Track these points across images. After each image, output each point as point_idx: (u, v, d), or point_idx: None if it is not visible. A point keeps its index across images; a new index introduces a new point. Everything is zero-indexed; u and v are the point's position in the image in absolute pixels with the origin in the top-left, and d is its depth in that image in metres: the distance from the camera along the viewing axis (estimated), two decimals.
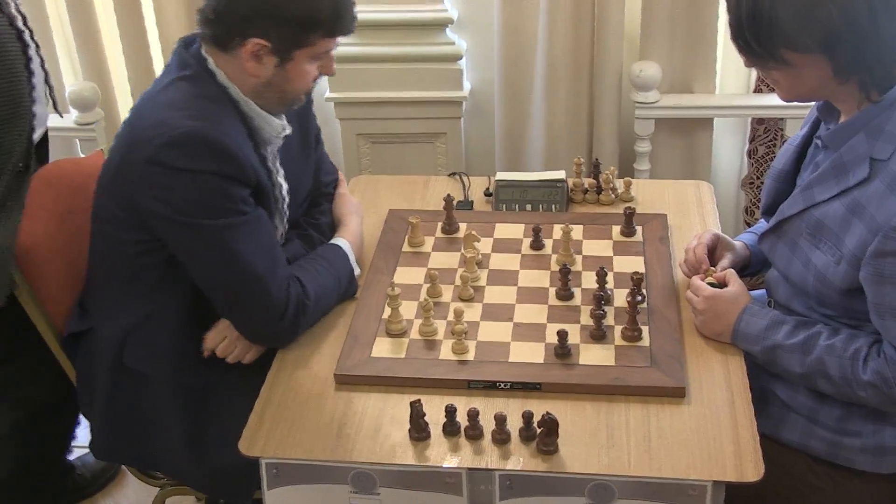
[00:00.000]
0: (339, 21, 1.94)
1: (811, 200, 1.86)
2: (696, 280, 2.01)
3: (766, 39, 1.72)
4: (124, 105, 3.29)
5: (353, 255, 2.16)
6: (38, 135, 2.29)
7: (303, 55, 1.93)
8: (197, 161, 1.84)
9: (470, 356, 1.93)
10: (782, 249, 1.93)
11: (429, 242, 2.29)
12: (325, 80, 2.33)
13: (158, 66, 3.20)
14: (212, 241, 1.88)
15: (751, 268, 2.15)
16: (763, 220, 2.14)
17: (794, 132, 2.09)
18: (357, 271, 2.16)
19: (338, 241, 2.18)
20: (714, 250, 2.11)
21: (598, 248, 2.24)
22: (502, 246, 2.27)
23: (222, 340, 2.04)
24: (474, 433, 1.76)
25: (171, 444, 2.05)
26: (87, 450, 2.20)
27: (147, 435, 2.08)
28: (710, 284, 1.99)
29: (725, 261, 2.07)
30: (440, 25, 3.08)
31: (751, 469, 1.68)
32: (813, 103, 1.99)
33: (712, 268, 2.05)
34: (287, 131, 2.08)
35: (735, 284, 1.98)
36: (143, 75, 3.17)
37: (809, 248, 1.86)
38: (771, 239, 1.96)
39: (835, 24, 1.66)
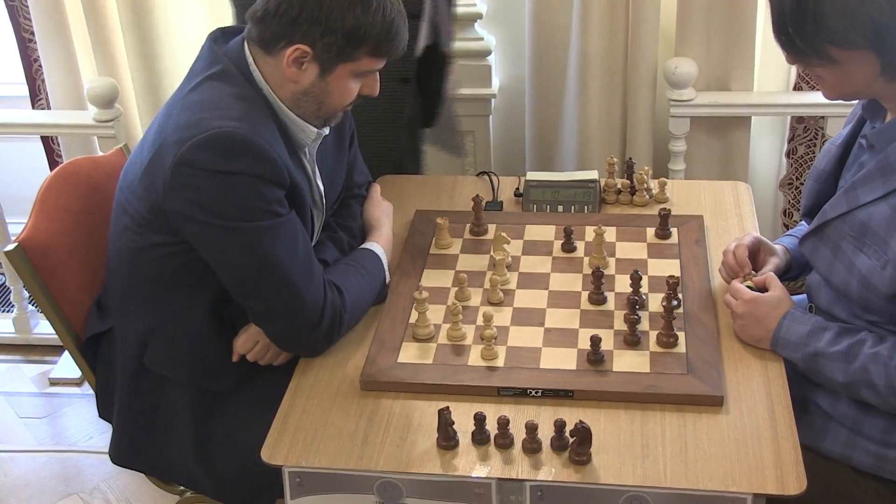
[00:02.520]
0: (387, 42, 1.93)
1: (855, 202, 1.83)
2: (736, 283, 1.99)
3: (811, 35, 1.70)
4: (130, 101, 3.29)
5: (386, 262, 2.16)
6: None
7: (346, 70, 1.93)
8: (230, 162, 1.82)
9: (499, 362, 1.92)
10: (824, 253, 1.91)
11: (457, 244, 2.28)
12: None
13: (170, 63, 3.20)
14: (245, 245, 1.87)
15: (791, 272, 2.12)
16: (803, 222, 2.11)
17: (836, 131, 2.07)
18: (388, 279, 2.15)
19: (373, 247, 2.17)
20: (756, 254, 2.08)
21: (631, 250, 2.22)
22: (533, 248, 2.25)
23: (254, 345, 2.03)
24: (504, 442, 1.75)
25: (186, 451, 2.05)
26: (105, 455, 2.19)
27: (163, 441, 2.09)
28: (749, 289, 1.97)
29: (769, 265, 2.04)
30: (469, 20, 3.07)
31: (792, 482, 1.66)
32: (857, 101, 1.97)
33: (752, 272, 2.02)
34: (325, 132, 2.07)
35: (777, 289, 1.96)
36: (149, 73, 3.19)
37: (853, 251, 1.83)
38: (812, 242, 1.94)
39: (884, 18, 1.64)
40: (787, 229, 3.20)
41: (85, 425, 3.19)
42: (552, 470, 1.70)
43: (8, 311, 3.66)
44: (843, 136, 2.00)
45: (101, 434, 3.12)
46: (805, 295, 2.08)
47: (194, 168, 1.82)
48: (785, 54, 1.79)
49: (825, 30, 1.68)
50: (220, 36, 2.02)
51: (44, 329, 3.51)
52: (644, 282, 2.09)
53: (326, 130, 2.07)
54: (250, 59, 1.95)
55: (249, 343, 2.03)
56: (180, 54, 3.18)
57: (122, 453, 2.16)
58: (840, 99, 1.83)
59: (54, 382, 3.39)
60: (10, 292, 3.55)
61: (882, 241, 1.78)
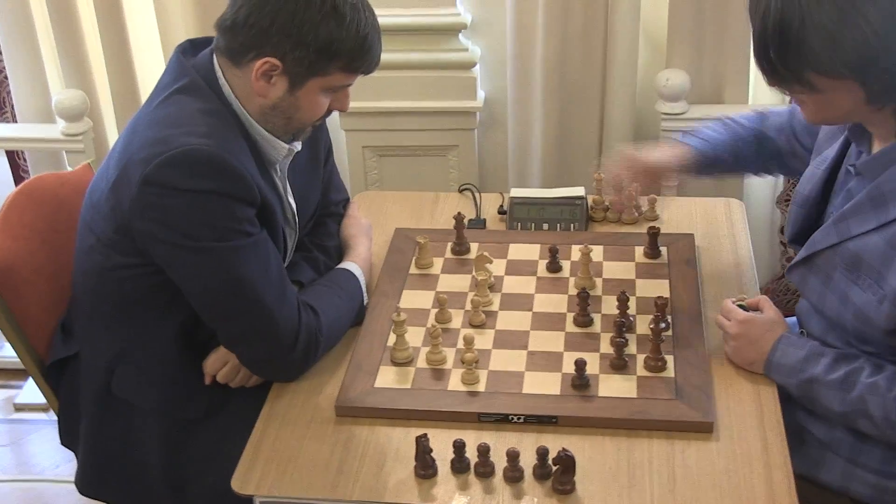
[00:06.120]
0: (360, 57, 1.92)
1: (846, 233, 1.83)
2: (728, 303, 1.99)
3: (794, 61, 1.68)
4: (109, 114, 3.29)
5: (364, 282, 2.16)
6: None
7: (316, 84, 1.92)
8: (198, 180, 1.82)
9: (481, 387, 1.92)
10: (814, 283, 1.90)
11: (438, 264, 2.28)
12: None
13: (145, 73, 3.20)
14: (215, 266, 1.86)
15: (704, 169, 2.23)
16: (713, 126, 2.24)
17: None
18: (366, 300, 2.15)
19: (351, 266, 2.16)
20: (657, 179, 2.18)
21: (619, 270, 2.23)
22: (516, 268, 2.25)
23: (223, 365, 2.03)
24: (485, 470, 1.74)
25: (157, 480, 2.04)
26: (73, 484, 2.19)
27: (132, 470, 2.07)
28: (740, 307, 1.98)
29: (672, 180, 2.10)
30: (453, 31, 3.07)
31: None
32: None
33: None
34: (297, 147, 2.07)
35: (770, 310, 1.96)
36: (126, 84, 3.18)
37: (846, 283, 1.83)
38: (801, 271, 1.93)
39: (870, 48, 1.62)
40: (785, 247, 3.21)
41: (52, 453, 3.18)
42: (534, 500, 1.70)
43: None
44: (828, 160, 1.98)
45: (68, 462, 3.10)
46: (795, 318, 2.09)
47: (161, 187, 1.82)
48: (765, 78, 1.77)
49: (807, 57, 1.66)
50: (189, 48, 2.02)
51: (9, 352, 3.47)
52: (632, 303, 2.10)
53: (298, 146, 2.07)
54: (219, 72, 1.94)
55: (219, 363, 2.03)
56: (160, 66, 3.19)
57: (89, 483, 2.15)
58: (822, 124, 1.82)
59: (20, 408, 3.38)
60: None
61: (878, 274, 1.77)
